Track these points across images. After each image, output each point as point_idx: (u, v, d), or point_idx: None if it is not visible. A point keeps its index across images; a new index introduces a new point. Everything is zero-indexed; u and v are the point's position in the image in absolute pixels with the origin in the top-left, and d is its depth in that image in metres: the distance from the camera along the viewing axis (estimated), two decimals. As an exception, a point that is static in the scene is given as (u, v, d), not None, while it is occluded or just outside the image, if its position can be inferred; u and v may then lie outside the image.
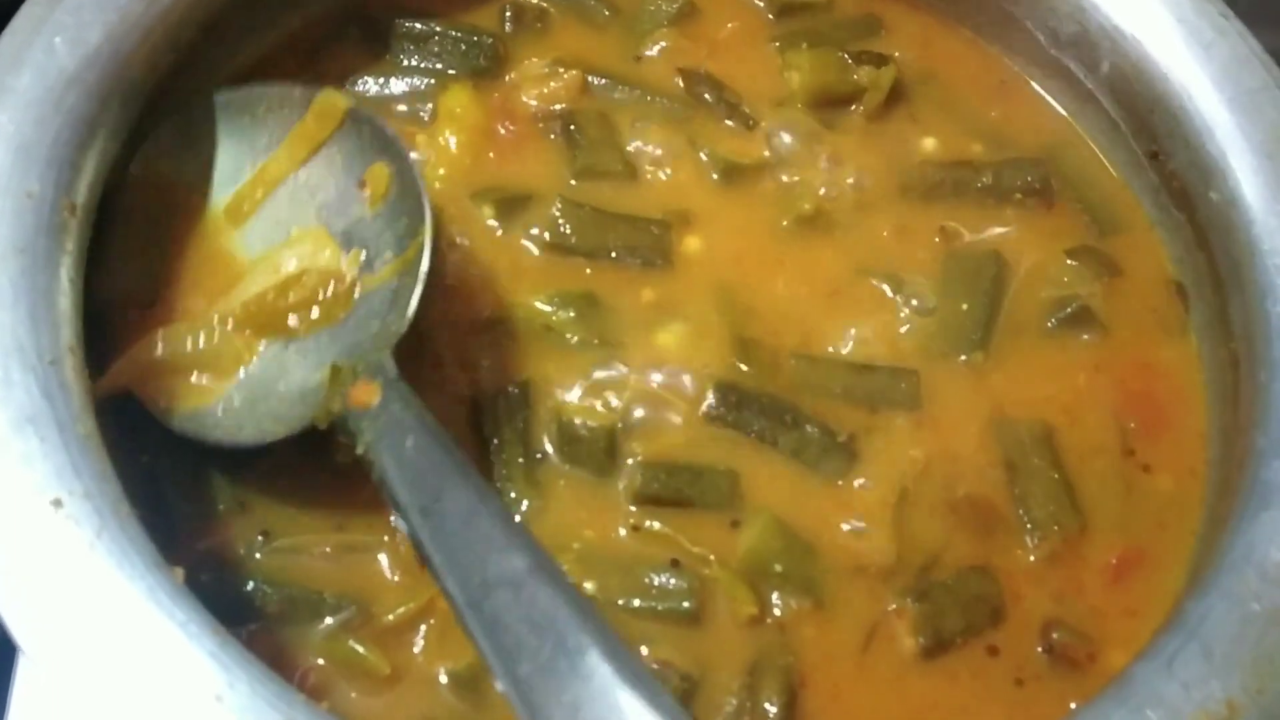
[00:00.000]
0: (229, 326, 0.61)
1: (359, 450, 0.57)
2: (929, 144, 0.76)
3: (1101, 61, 0.74)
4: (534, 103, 0.73)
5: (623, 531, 0.62)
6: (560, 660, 0.48)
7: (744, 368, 0.67)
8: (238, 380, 0.61)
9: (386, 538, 0.60)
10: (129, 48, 0.62)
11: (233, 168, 0.66)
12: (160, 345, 0.61)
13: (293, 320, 0.61)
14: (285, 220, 0.64)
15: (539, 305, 0.67)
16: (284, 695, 0.48)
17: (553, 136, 0.73)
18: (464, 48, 0.75)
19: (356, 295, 0.62)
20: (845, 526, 0.63)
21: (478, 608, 0.50)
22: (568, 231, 0.69)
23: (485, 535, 0.52)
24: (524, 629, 0.49)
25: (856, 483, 0.65)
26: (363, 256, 0.62)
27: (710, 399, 0.65)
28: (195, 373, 0.61)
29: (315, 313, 0.62)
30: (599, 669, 0.48)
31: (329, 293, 0.61)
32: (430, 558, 0.53)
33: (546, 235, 0.69)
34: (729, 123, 0.75)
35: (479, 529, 0.52)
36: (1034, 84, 0.79)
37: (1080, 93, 0.76)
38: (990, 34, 0.80)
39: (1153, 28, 0.71)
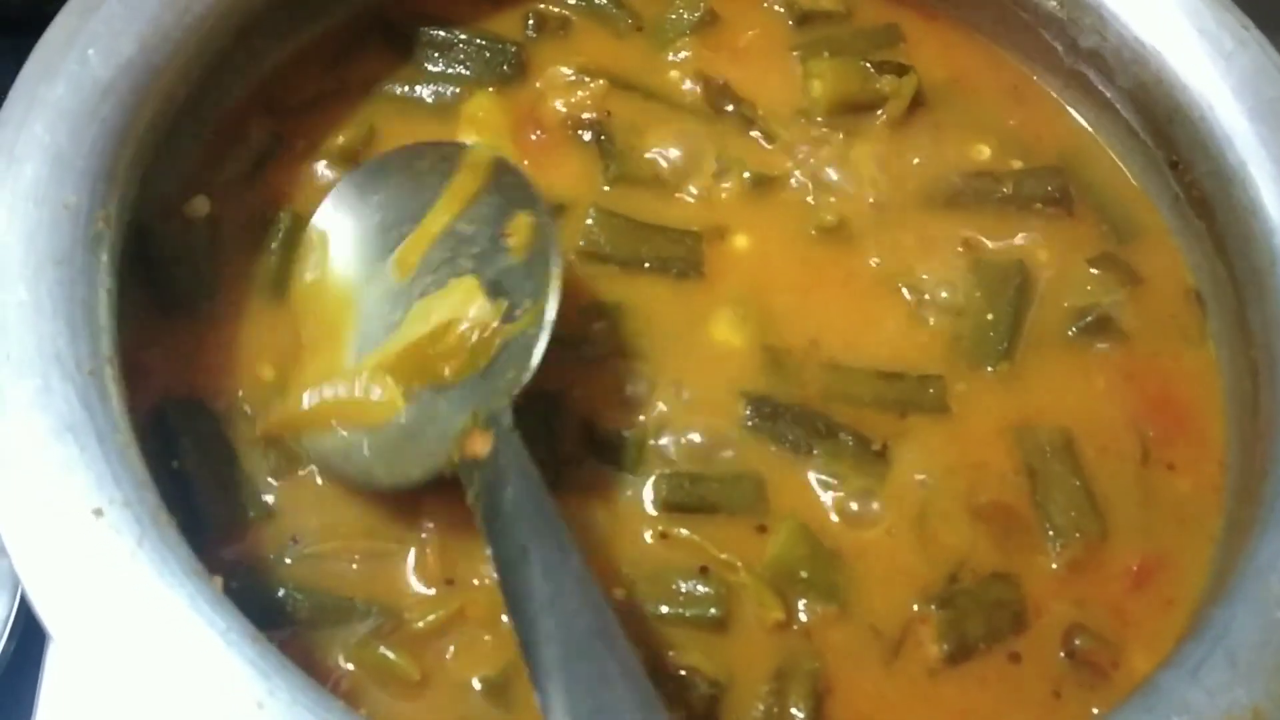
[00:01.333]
0: (379, 375, 0.62)
1: (468, 500, 0.57)
2: (951, 153, 0.76)
3: (1121, 72, 0.74)
4: (565, 111, 0.74)
5: (650, 538, 0.63)
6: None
7: (773, 377, 0.67)
8: (386, 427, 0.61)
9: (414, 546, 0.60)
10: (161, 58, 0.63)
11: (396, 220, 0.66)
12: (308, 398, 0.62)
13: (445, 369, 0.61)
14: (442, 272, 0.64)
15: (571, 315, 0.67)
16: (323, 702, 0.49)
17: (584, 143, 0.73)
18: (488, 55, 0.75)
19: (498, 344, 0.61)
20: (876, 534, 0.64)
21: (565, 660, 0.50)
22: (602, 241, 0.69)
23: (568, 592, 0.52)
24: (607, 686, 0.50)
25: (889, 491, 0.65)
26: (505, 305, 0.62)
27: (746, 410, 0.66)
28: (345, 421, 0.62)
29: (461, 361, 0.61)
30: None
31: (475, 340, 0.61)
32: (513, 611, 0.53)
33: (581, 243, 0.69)
34: (753, 133, 0.75)
35: (562, 583, 0.53)
36: (1053, 93, 0.80)
37: (1099, 102, 0.77)
38: (1009, 43, 0.80)
39: (1172, 39, 0.72)
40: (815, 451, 0.65)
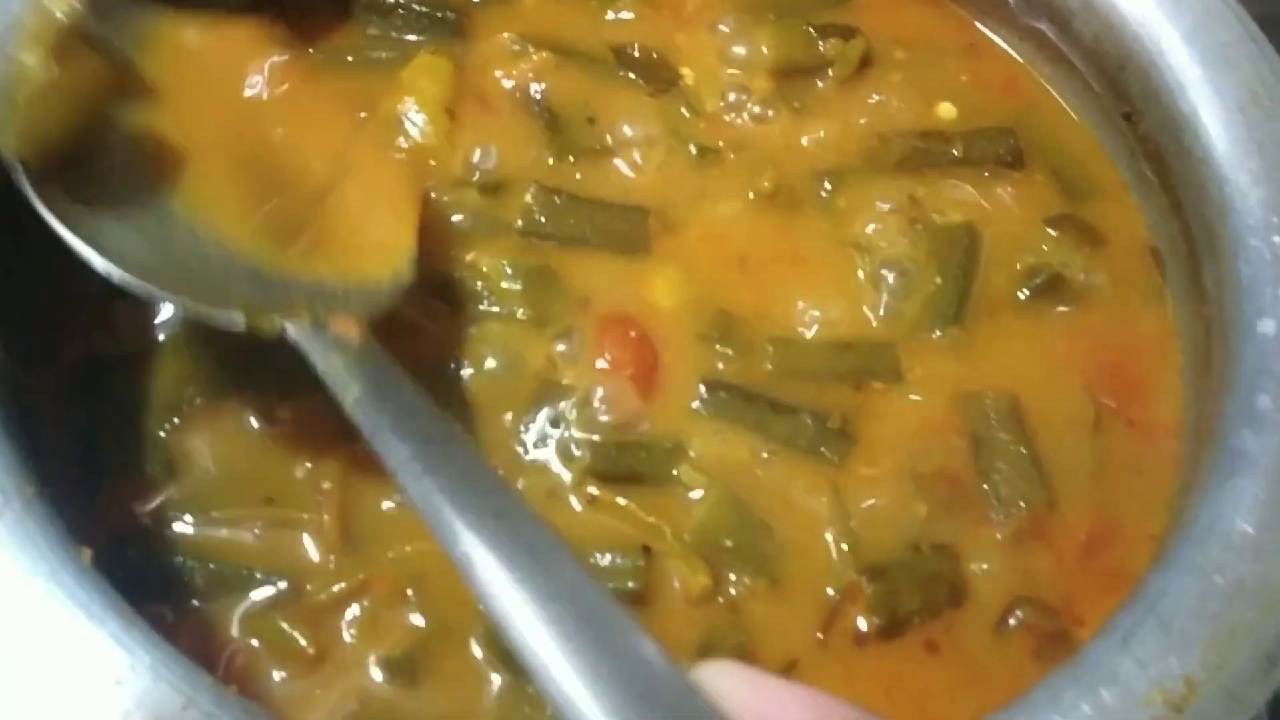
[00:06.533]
0: None
1: (330, 357, 0.54)
2: (899, 114, 0.73)
3: (1072, 20, 0.71)
4: (509, 83, 0.72)
5: (576, 504, 0.60)
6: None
7: (722, 352, 0.65)
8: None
9: (313, 514, 0.58)
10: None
11: None
12: None
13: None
14: None
15: (505, 285, 0.65)
16: (189, 678, 0.46)
17: (528, 115, 0.71)
18: (427, 21, 0.73)
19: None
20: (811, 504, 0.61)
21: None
22: (542, 220, 0.67)
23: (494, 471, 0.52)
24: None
25: (836, 464, 0.63)
26: None
27: (700, 390, 0.63)
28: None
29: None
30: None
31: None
32: (431, 480, 0.50)
33: (519, 223, 0.67)
34: (696, 102, 0.73)
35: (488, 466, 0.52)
36: (1006, 47, 0.77)
37: (1053, 54, 0.74)
38: (962, -4, 0.77)
39: (1123, -19, 0.69)
40: (774, 431, 0.62)
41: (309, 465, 0.59)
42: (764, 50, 0.74)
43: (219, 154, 0.62)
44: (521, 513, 0.49)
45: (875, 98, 0.74)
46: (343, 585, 0.56)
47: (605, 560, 0.58)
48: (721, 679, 0.41)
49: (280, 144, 0.64)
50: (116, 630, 0.47)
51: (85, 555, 0.49)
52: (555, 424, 0.62)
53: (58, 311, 0.61)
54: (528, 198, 0.67)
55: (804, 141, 0.72)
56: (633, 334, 0.65)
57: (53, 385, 0.59)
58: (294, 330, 0.55)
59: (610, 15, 0.75)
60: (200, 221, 0.59)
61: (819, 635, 0.58)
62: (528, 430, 0.62)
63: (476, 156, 0.69)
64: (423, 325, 0.64)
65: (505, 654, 0.54)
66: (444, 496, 0.49)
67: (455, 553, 0.47)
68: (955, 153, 0.71)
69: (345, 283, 0.60)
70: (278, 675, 0.55)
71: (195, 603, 0.56)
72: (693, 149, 0.71)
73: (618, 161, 0.70)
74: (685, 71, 0.74)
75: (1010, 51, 0.76)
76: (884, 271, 0.68)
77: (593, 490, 0.60)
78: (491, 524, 0.47)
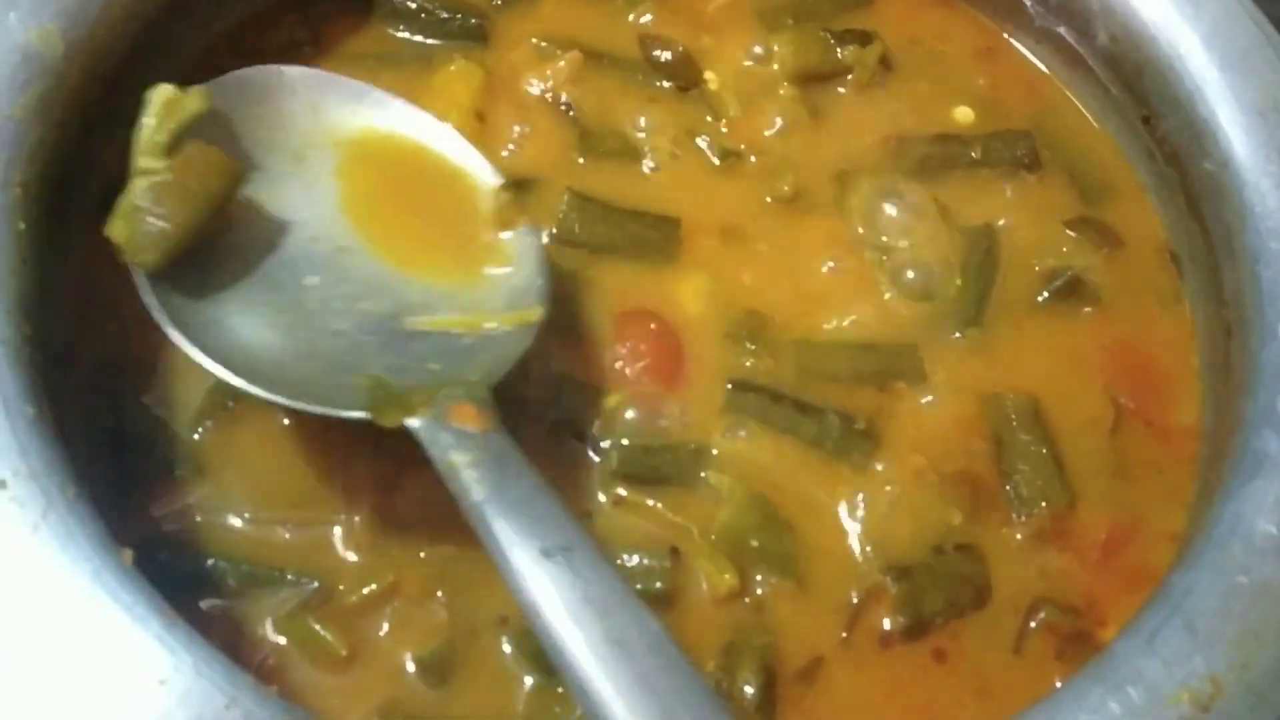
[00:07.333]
0: None
1: (450, 458, 0.53)
2: (918, 117, 0.74)
3: (1091, 24, 0.72)
4: (535, 88, 0.72)
5: (603, 499, 0.61)
6: None
7: (748, 354, 0.65)
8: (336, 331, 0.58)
9: (344, 515, 0.58)
10: (87, 21, 0.61)
11: None
12: None
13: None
14: None
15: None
16: (231, 677, 0.47)
17: (555, 117, 0.72)
18: (450, 25, 0.74)
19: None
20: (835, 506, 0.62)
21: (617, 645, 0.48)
22: (576, 229, 0.67)
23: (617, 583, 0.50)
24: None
25: (857, 464, 0.63)
26: None
27: (727, 391, 0.64)
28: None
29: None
30: None
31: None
32: (544, 599, 0.49)
33: (554, 230, 0.67)
34: (719, 104, 0.73)
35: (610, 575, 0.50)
36: (1024, 50, 0.77)
37: (1070, 58, 0.75)
38: (980, 1, 0.78)
39: (1142, -13, 0.69)
40: (799, 433, 0.63)
41: (339, 466, 0.59)
42: (782, 57, 0.74)
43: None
44: (643, 638, 0.48)
45: (894, 102, 0.75)
46: (374, 587, 0.57)
47: (634, 561, 0.59)
48: None
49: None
50: (160, 630, 0.47)
51: (126, 556, 0.49)
52: (584, 425, 0.62)
53: (90, 311, 0.61)
54: (562, 206, 0.67)
55: (823, 145, 0.73)
56: (653, 326, 0.66)
57: (84, 385, 0.60)
58: (415, 424, 0.54)
59: (631, 17, 0.76)
60: (337, 294, 0.59)
61: (844, 635, 0.59)
62: (555, 433, 0.62)
63: (506, 158, 0.69)
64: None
65: (536, 654, 0.55)
66: (561, 621, 0.48)
67: (567, 676, 0.48)
68: (973, 155, 0.72)
69: (474, 334, 0.59)
70: (310, 675, 0.55)
71: (227, 603, 0.56)
72: (716, 152, 0.71)
73: (643, 164, 0.71)
74: (709, 76, 0.74)
75: (1028, 55, 0.77)
76: (905, 273, 0.68)
77: (621, 491, 0.61)
78: (605, 651, 0.47)
